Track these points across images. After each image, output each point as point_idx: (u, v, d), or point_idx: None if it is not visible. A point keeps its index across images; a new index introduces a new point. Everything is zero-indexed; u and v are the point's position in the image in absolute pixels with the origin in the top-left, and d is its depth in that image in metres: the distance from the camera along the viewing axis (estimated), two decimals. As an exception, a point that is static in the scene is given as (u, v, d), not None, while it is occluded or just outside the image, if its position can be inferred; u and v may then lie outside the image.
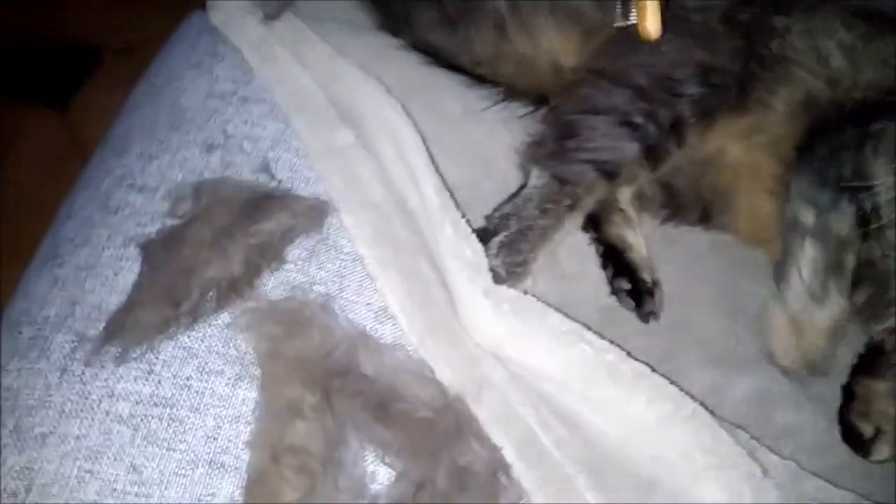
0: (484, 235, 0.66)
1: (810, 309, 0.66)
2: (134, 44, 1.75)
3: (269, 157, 0.67)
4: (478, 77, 0.80)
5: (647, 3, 0.66)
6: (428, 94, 0.78)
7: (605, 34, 0.76)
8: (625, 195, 0.74)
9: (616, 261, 0.69)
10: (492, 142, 0.76)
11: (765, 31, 0.70)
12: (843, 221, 0.64)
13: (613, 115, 0.68)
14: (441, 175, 0.65)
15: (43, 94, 1.67)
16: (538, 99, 0.80)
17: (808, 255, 0.65)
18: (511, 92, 0.80)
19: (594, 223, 0.72)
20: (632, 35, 0.73)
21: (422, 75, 0.79)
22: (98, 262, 0.60)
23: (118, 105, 0.82)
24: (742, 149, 0.72)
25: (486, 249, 0.63)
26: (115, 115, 0.81)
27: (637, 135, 0.68)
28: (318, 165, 0.66)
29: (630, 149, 0.68)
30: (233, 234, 0.55)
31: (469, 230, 0.60)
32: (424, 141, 0.66)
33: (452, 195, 0.64)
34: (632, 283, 0.68)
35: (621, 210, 0.73)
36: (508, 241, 0.66)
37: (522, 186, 0.71)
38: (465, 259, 0.59)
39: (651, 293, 0.68)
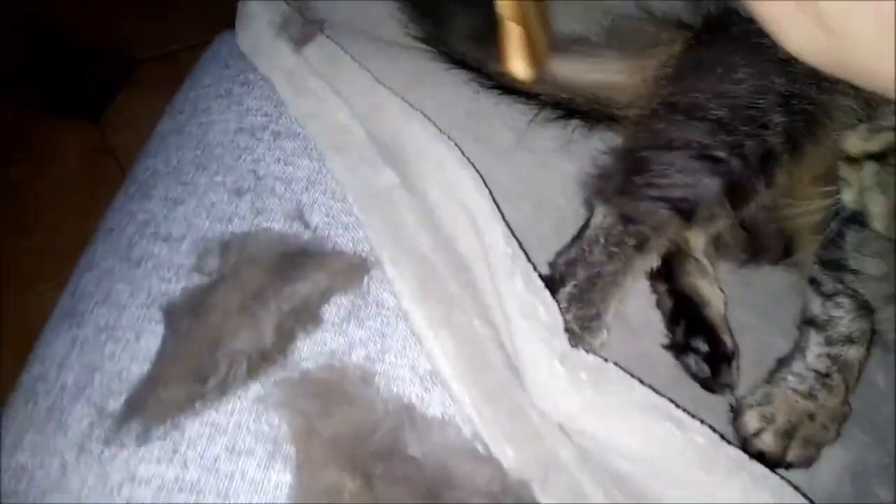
0: (549, 286, 0.59)
1: None
2: (168, 53, 1.72)
3: (303, 200, 0.61)
4: (525, 94, 0.73)
5: (510, 31, 0.58)
6: (475, 121, 0.71)
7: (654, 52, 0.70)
8: (699, 242, 0.66)
9: (690, 317, 0.62)
10: (547, 175, 0.69)
11: None
12: None
13: (690, 149, 0.61)
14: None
15: (77, 105, 1.65)
16: (595, 116, 0.73)
17: None
18: (563, 110, 0.73)
19: (664, 271, 0.64)
20: (698, 63, 0.66)
21: (467, 98, 0.73)
22: (119, 322, 0.55)
23: (152, 116, 0.79)
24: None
25: (557, 301, 0.56)
26: (149, 125, 0.77)
27: (719, 169, 0.61)
28: (358, 210, 0.59)
29: (710, 185, 0.61)
30: (264, 299, 0.49)
31: (542, 285, 0.53)
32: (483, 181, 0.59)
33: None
34: (709, 346, 0.60)
35: (696, 259, 0.65)
36: (578, 291, 0.60)
37: (585, 226, 0.64)
38: (538, 318, 0.52)
39: (730, 360, 0.60)
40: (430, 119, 0.65)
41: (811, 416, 0.59)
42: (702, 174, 0.60)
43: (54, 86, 1.66)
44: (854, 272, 0.60)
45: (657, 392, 0.50)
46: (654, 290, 0.64)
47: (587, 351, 0.52)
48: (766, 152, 0.61)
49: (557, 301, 0.56)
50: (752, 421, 0.58)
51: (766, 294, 0.68)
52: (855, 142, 0.56)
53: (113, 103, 1.66)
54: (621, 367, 0.55)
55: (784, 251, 0.68)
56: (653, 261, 0.62)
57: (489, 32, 0.71)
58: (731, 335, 0.61)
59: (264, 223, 0.59)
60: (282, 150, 0.64)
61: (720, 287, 0.64)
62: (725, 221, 0.65)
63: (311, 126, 0.63)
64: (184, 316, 0.50)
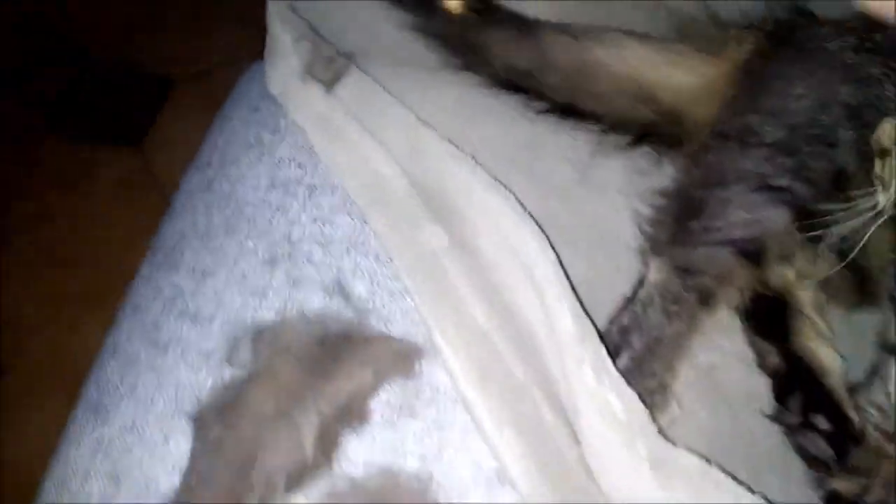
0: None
1: None
2: (205, 72, 1.68)
3: (343, 266, 0.54)
4: (588, 115, 0.65)
5: None
6: (530, 154, 0.63)
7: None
8: (807, 295, 0.57)
9: (807, 388, 0.53)
10: (616, 215, 0.60)
11: None
12: None
13: (748, 181, 0.52)
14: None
15: (117, 130, 1.62)
16: (668, 138, 0.64)
17: None
18: (630, 132, 0.64)
19: (770, 328, 0.55)
20: (756, 81, 0.58)
21: (520, 128, 0.65)
22: (146, 420, 0.49)
23: (191, 136, 0.74)
24: None
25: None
26: (188, 148, 0.73)
27: (783, 197, 0.52)
28: (406, 276, 0.52)
29: (776, 216, 0.52)
30: (303, 402, 0.43)
31: (617, 374, 0.45)
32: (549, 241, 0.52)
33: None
34: (832, 424, 0.51)
35: (808, 317, 0.56)
36: (635, 363, 0.51)
37: (639, 284, 0.55)
38: (615, 416, 0.44)
39: (858, 440, 0.51)
40: (479, 161, 0.58)
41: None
42: (764, 207, 0.52)
43: (95, 112, 1.64)
44: None
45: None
46: (757, 351, 0.55)
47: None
48: (838, 173, 0.52)
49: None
50: None
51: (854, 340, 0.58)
52: (891, 132, 0.47)
53: (152, 128, 1.62)
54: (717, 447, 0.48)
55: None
56: (726, 313, 0.54)
57: (525, 38, 0.64)
58: (857, 411, 0.52)
59: (301, 296, 0.53)
60: (318, 208, 0.58)
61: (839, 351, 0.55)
62: (829, 265, 0.55)
63: (348, 179, 0.57)
64: (213, 422, 0.44)
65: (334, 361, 0.45)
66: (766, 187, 0.53)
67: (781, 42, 0.62)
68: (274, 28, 0.66)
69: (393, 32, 0.68)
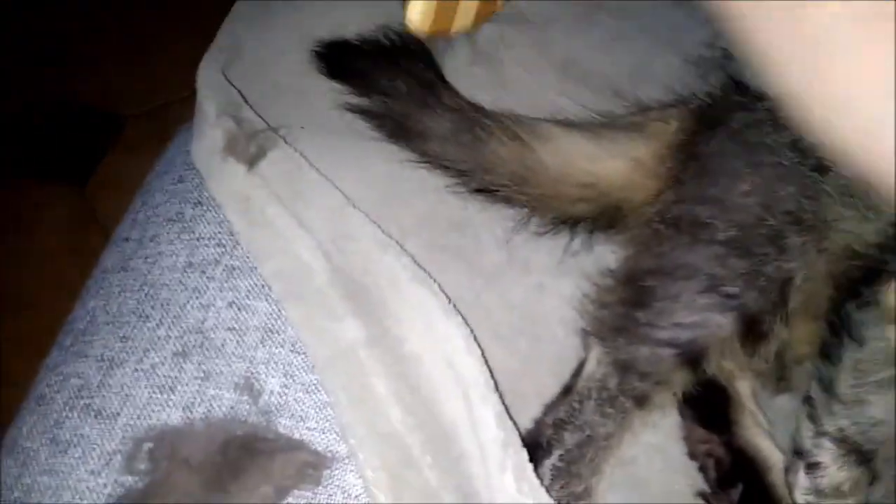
0: (532, 451, 0.50)
1: None
2: (157, 109, 1.65)
3: (257, 358, 0.52)
4: (514, 198, 0.64)
5: None
6: (459, 235, 0.62)
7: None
8: (746, 386, 0.57)
9: (748, 482, 0.52)
10: (544, 300, 0.60)
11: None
12: None
13: (698, 279, 0.52)
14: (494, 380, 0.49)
15: (63, 169, 1.59)
16: (597, 223, 0.63)
17: None
18: (558, 215, 0.63)
19: (712, 420, 0.55)
20: (699, 168, 0.57)
21: (450, 207, 0.64)
22: (38, 533, 0.47)
23: (139, 176, 0.72)
24: None
25: (539, 478, 0.47)
26: (136, 186, 0.70)
27: (733, 304, 0.51)
28: (320, 374, 0.51)
29: (722, 323, 0.52)
30: (197, 522, 0.40)
31: (538, 483, 0.44)
32: (471, 330, 0.51)
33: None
34: None
35: (749, 410, 0.56)
36: (565, 463, 0.51)
37: (577, 373, 0.55)
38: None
39: None
40: (407, 241, 0.57)
41: None
42: (712, 311, 0.51)
43: (39, 149, 1.60)
44: (843, 402, 0.51)
45: None
46: (692, 441, 0.55)
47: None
48: (785, 281, 0.51)
49: (540, 476, 0.48)
50: None
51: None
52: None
53: (100, 167, 1.59)
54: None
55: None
56: (657, 416, 0.53)
57: (466, 132, 0.63)
58: None
59: (210, 392, 0.51)
60: (235, 291, 0.56)
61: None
62: (739, 362, 0.55)
63: (266, 266, 0.55)
64: (104, 543, 0.41)
65: (234, 475, 0.43)
66: (716, 291, 0.53)
67: (717, 121, 0.62)
68: (200, 97, 0.65)
69: (325, 102, 0.67)
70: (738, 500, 0.52)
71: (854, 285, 0.53)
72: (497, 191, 0.63)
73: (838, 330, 0.52)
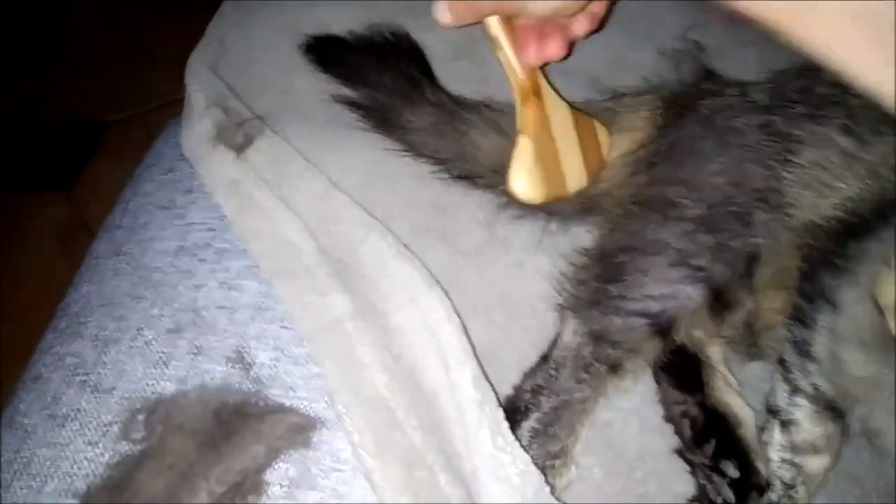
0: (512, 416, 0.53)
1: None
2: (140, 116, 1.66)
3: (248, 333, 0.55)
4: (496, 187, 0.67)
5: (520, 145, 0.55)
6: (441, 217, 0.65)
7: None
8: (716, 351, 0.59)
9: (721, 437, 0.55)
10: (522, 277, 0.62)
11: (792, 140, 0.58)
12: None
13: (668, 254, 0.55)
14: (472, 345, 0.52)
15: (48, 176, 1.60)
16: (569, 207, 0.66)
17: None
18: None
19: (688, 382, 0.57)
20: (669, 149, 0.60)
21: (433, 191, 0.66)
22: (38, 500, 0.48)
23: (124, 181, 0.74)
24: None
25: (517, 439, 0.50)
26: (122, 191, 0.72)
27: (700, 277, 0.54)
28: (308, 346, 0.53)
29: (692, 294, 0.54)
30: (192, 481, 0.42)
31: (513, 439, 0.47)
32: (452, 303, 0.53)
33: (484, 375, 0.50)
34: (741, 471, 0.53)
35: (720, 372, 0.58)
36: (542, 425, 0.53)
37: (554, 343, 0.57)
38: (509, 481, 0.45)
39: (762, 490, 0.53)
40: (392, 223, 0.59)
41: None
42: (682, 284, 0.54)
43: (23, 156, 1.61)
44: (818, 362, 0.53)
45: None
46: (668, 403, 0.57)
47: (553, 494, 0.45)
48: (751, 255, 0.54)
49: (518, 437, 0.50)
50: None
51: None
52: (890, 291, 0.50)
53: (85, 172, 1.60)
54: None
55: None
56: (631, 381, 0.56)
57: (447, 124, 0.66)
58: (766, 462, 0.54)
59: (203, 365, 0.53)
60: (226, 272, 0.58)
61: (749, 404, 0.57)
62: (708, 331, 0.58)
63: (256, 247, 0.57)
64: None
65: (227, 437, 0.45)
66: (685, 264, 0.55)
67: (687, 107, 0.65)
68: (189, 90, 0.67)
69: (311, 95, 0.69)
70: (711, 454, 0.55)
71: (822, 256, 0.56)
72: (478, 178, 0.65)
73: (812, 296, 0.54)
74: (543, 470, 0.50)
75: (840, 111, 0.56)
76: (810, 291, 0.55)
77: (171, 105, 0.79)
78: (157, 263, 0.59)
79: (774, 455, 0.54)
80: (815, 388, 0.52)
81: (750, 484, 0.55)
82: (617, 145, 0.65)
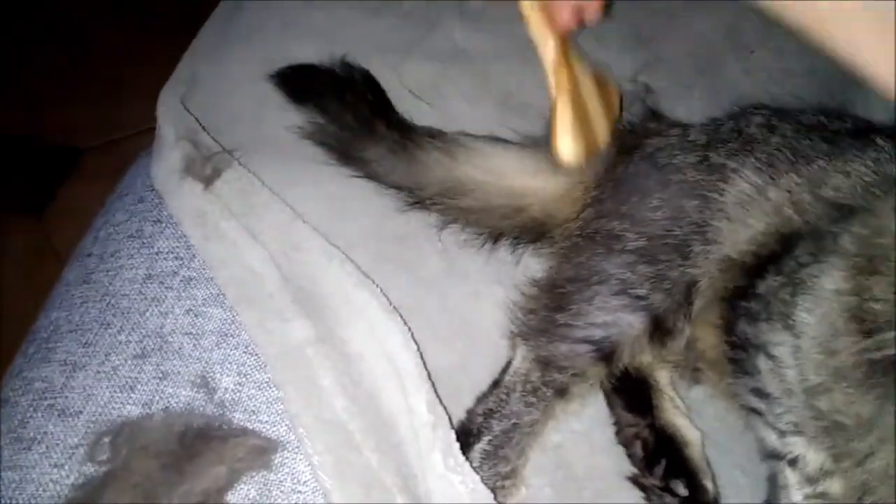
0: (464, 438, 0.56)
1: None
2: (115, 142, 1.68)
3: (212, 359, 0.57)
4: (450, 214, 0.70)
5: (562, 106, 0.58)
6: (403, 246, 0.68)
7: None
8: (664, 375, 0.63)
9: (670, 458, 0.58)
10: (480, 305, 0.65)
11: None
12: None
13: (610, 284, 0.58)
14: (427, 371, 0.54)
15: (19, 201, 1.60)
16: (524, 238, 0.69)
17: None
18: (489, 230, 0.69)
19: (637, 406, 0.60)
20: (616, 186, 0.64)
21: (396, 222, 0.69)
22: (4, 520, 0.50)
23: (96, 207, 0.75)
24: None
25: (468, 461, 0.52)
26: (93, 217, 0.73)
27: (641, 305, 0.57)
28: (271, 371, 0.55)
29: (633, 321, 0.58)
30: (156, 501, 0.44)
31: (463, 460, 0.49)
32: (410, 330, 0.56)
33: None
34: (690, 490, 0.56)
35: (668, 395, 0.62)
36: (493, 447, 0.56)
37: (505, 369, 0.60)
38: (459, 498, 0.48)
39: None
40: (353, 253, 0.62)
41: None
42: (623, 312, 0.57)
43: (-4, 182, 1.61)
44: (781, 403, 0.54)
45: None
46: (622, 426, 0.60)
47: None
48: (689, 284, 0.58)
49: (471, 459, 0.53)
50: None
51: (715, 422, 0.64)
52: None
53: (57, 195, 1.61)
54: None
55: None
56: (576, 404, 0.59)
57: (402, 151, 0.69)
58: (714, 480, 0.57)
59: (168, 390, 0.55)
60: (192, 300, 0.60)
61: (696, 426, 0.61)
62: (675, 352, 0.61)
63: (221, 275, 0.59)
64: (66, 525, 0.45)
65: (190, 459, 0.47)
66: (626, 293, 0.59)
67: (633, 146, 0.69)
68: (160, 123, 0.70)
69: (280, 129, 0.72)
70: (662, 475, 0.57)
71: (736, 298, 0.58)
72: (432, 204, 0.68)
73: (742, 347, 0.57)
74: (494, 490, 0.53)
75: (761, 149, 0.60)
76: (738, 343, 0.57)
77: (146, 133, 0.81)
78: (125, 291, 0.61)
79: (798, 497, 0.54)
80: (795, 424, 0.54)
81: (699, 502, 0.58)
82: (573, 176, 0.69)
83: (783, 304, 0.52)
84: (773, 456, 0.57)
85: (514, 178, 0.68)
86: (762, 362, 0.55)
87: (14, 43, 1.75)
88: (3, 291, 1.48)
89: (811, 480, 0.55)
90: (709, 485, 0.59)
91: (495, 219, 0.67)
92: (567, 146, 0.58)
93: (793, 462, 0.55)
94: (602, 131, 0.63)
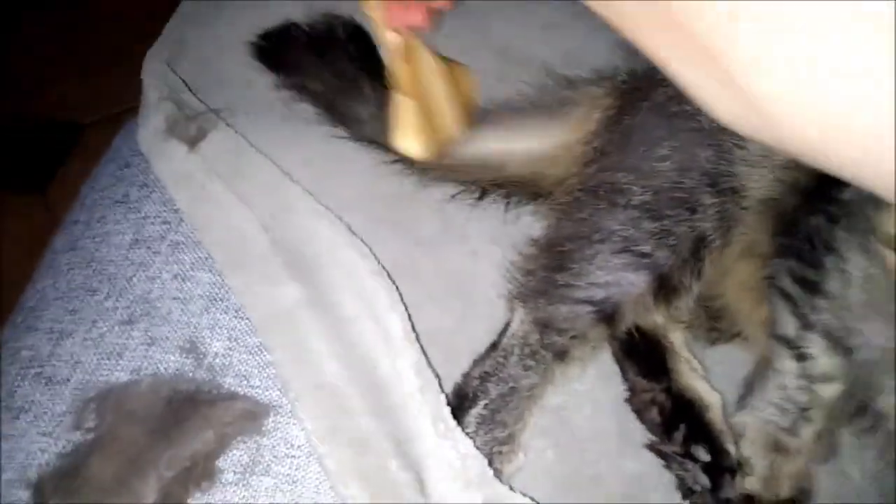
0: (460, 402, 0.54)
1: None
2: (116, 116, 1.66)
3: (201, 323, 0.55)
4: (448, 177, 0.67)
5: (399, 104, 0.56)
6: (397, 207, 0.65)
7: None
8: (678, 336, 0.60)
9: (690, 423, 0.55)
10: (477, 266, 0.63)
11: None
12: None
13: (612, 241, 0.55)
14: (416, 333, 0.53)
15: (21, 177, 1.59)
16: (523, 196, 0.67)
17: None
18: (488, 190, 0.67)
19: (653, 369, 0.58)
20: (622, 137, 0.61)
21: (389, 182, 0.67)
22: (-9, 491, 0.49)
23: None
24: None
25: (463, 426, 0.51)
26: None
27: (644, 264, 0.55)
28: (261, 335, 0.53)
29: (635, 280, 0.55)
30: (142, 466, 0.43)
31: (454, 425, 0.48)
32: (398, 289, 0.54)
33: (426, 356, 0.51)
34: (711, 455, 0.54)
35: (684, 357, 0.59)
36: (489, 412, 0.54)
37: (503, 331, 0.58)
38: (450, 464, 0.46)
39: (734, 472, 0.54)
40: (346, 214, 0.60)
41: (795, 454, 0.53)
42: (625, 271, 0.55)
43: (-1, 160, 1.60)
44: (829, 299, 0.53)
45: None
46: (636, 392, 0.58)
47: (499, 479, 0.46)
48: (698, 239, 0.55)
49: (465, 425, 0.51)
50: None
51: (728, 377, 0.62)
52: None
53: (59, 172, 1.60)
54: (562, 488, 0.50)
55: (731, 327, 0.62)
56: (577, 367, 0.56)
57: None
58: (735, 444, 0.55)
59: (156, 356, 0.53)
60: (180, 264, 0.58)
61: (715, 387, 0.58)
62: (689, 309, 0.59)
63: (208, 238, 0.57)
64: (52, 492, 0.44)
65: (177, 424, 0.45)
66: (629, 251, 0.56)
67: (640, 97, 0.66)
68: (145, 85, 0.68)
69: (269, 90, 0.70)
70: (682, 440, 0.55)
71: (806, 208, 0.56)
72: (428, 168, 0.66)
73: (812, 240, 0.54)
74: (491, 456, 0.51)
75: None
76: (809, 235, 0.55)
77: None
78: (111, 256, 0.59)
79: (789, 381, 0.54)
80: (825, 325, 0.52)
81: (722, 467, 0.56)
82: (571, 133, 0.66)
83: (865, 220, 0.49)
84: (781, 340, 0.55)
85: (516, 139, 0.65)
86: (830, 261, 0.53)
87: (10, 16, 1.73)
88: (8, 269, 1.47)
89: (809, 378, 0.54)
90: (731, 448, 0.57)
91: (493, 179, 0.65)
92: (408, 144, 0.57)
93: (801, 357, 0.54)
94: (451, 121, 0.61)
